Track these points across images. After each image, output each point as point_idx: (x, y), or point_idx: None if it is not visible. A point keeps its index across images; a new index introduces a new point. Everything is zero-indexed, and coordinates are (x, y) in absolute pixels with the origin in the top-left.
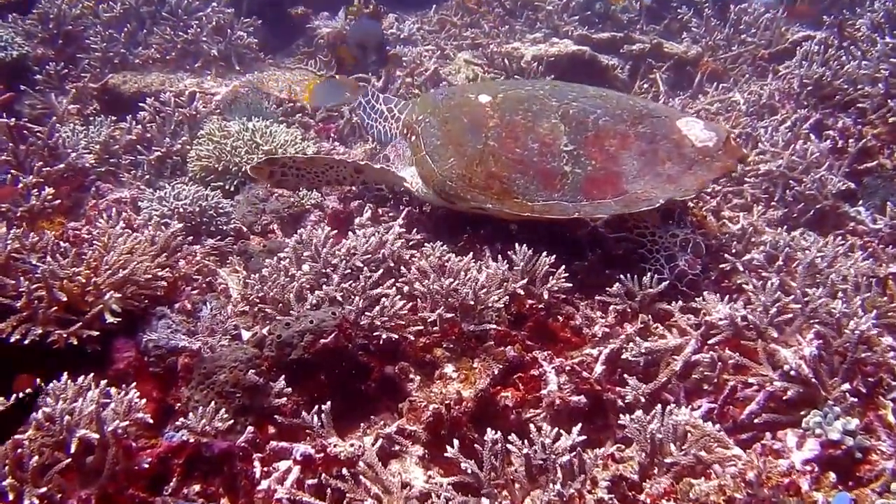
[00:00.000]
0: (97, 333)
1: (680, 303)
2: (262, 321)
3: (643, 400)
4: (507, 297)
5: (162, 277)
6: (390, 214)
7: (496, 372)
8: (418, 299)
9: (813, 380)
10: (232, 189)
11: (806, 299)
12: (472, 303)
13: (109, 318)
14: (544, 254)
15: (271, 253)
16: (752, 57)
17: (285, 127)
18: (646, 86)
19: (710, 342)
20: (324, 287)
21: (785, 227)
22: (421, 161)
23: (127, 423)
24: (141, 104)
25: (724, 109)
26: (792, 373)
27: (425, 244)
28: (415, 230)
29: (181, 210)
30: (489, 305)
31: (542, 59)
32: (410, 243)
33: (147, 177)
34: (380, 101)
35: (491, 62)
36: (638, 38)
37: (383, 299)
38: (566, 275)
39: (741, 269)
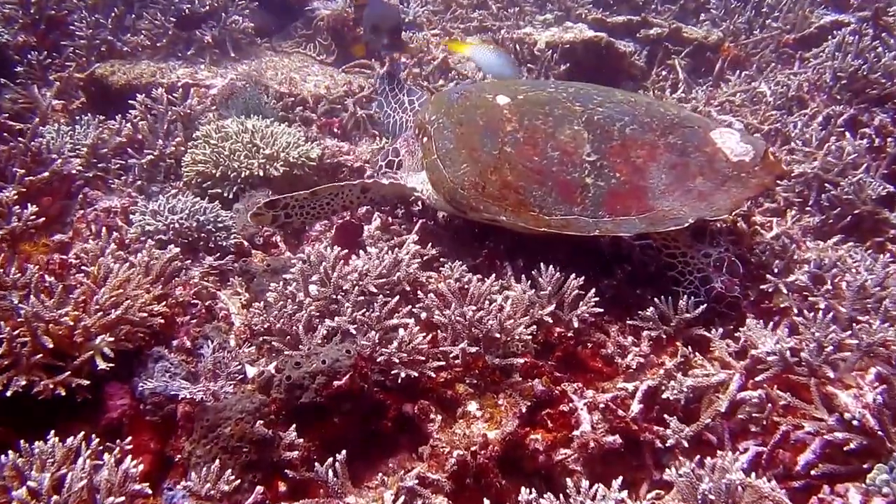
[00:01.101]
0: (87, 383)
1: (720, 329)
2: (268, 354)
3: (686, 444)
4: (535, 326)
5: (158, 313)
6: (403, 227)
7: (524, 410)
8: (438, 329)
9: (879, 432)
10: (231, 196)
11: (858, 328)
12: (497, 335)
13: (101, 365)
14: (572, 276)
15: (275, 273)
16: (776, 42)
17: (286, 126)
18: (664, 73)
19: (756, 379)
20: (336, 318)
21: (829, 241)
22: (432, 166)
23: (122, 498)
24: (131, 101)
25: (749, 101)
26: (854, 423)
27: (442, 259)
28: (430, 244)
29: (176, 226)
30: (516, 337)
31: (556, 47)
32: (425, 258)
33: (139, 182)
34: (404, 90)
35: (502, 48)
36: (655, 21)
37: (401, 331)
38: (596, 299)
39: (785, 291)
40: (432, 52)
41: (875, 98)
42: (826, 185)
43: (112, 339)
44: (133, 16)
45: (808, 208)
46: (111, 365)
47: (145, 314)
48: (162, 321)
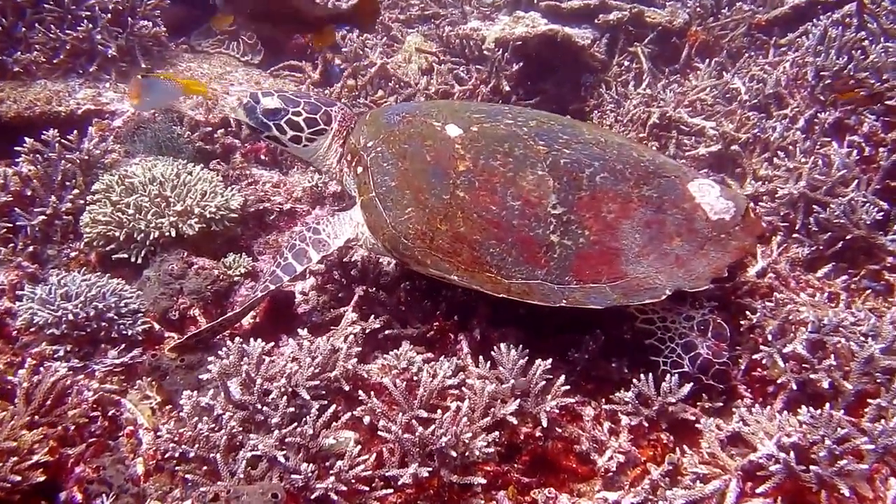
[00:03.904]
0: None
1: (712, 420)
2: (182, 484)
3: None
4: (497, 432)
5: (41, 465)
6: (341, 295)
7: None
8: (385, 442)
9: None
10: (139, 261)
11: (870, 423)
12: (453, 453)
13: None
14: (538, 362)
15: (190, 369)
16: (746, 24)
17: (202, 169)
18: (626, 63)
19: (758, 490)
20: (262, 442)
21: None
22: (369, 205)
23: None
24: (18, 148)
25: (721, 98)
26: None
27: (387, 332)
28: (372, 316)
29: (70, 316)
30: (476, 452)
31: (507, 44)
32: (367, 331)
33: (30, 248)
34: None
35: (447, 46)
36: (615, 4)
37: (339, 462)
38: (566, 387)
39: (781, 364)
40: (369, 57)
41: (862, 99)
42: (814, 206)
43: None
44: (23, 28)
45: (795, 234)
46: None
47: (20, 477)
48: (44, 477)
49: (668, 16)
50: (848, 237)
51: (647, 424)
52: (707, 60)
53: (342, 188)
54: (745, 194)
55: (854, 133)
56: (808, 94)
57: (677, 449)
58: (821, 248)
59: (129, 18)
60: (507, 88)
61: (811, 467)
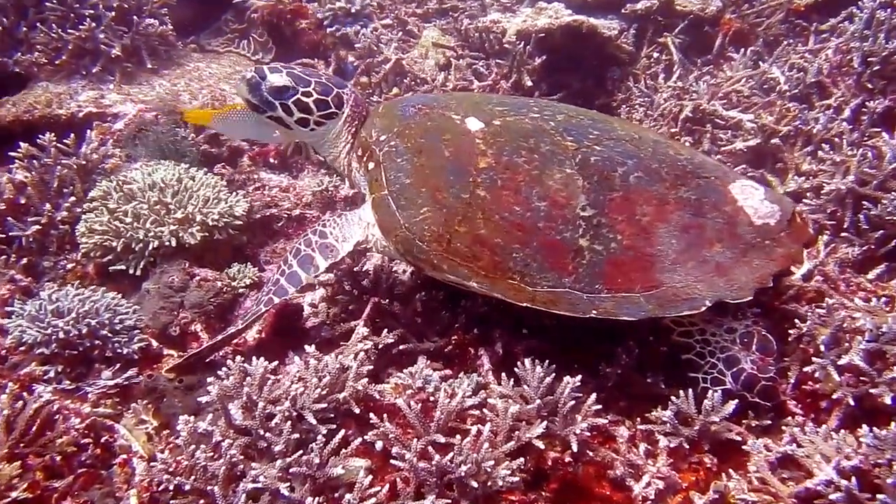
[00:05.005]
0: None
1: (760, 441)
2: None
3: None
4: (521, 459)
5: (21, 502)
6: (350, 308)
7: None
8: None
9: None
10: (138, 273)
11: None
12: (474, 484)
13: None
14: (566, 380)
15: (189, 390)
16: (784, 11)
17: (204, 173)
18: (655, 54)
19: None
20: (263, 475)
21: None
22: (380, 203)
23: None
24: (13, 154)
25: (759, 89)
26: None
27: (401, 348)
28: (385, 330)
29: (62, 335)
30: (498, 481)
31: (529, 36)
32: (379, 347)
33: (25, 260)
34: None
35: (465, 40)
36: None
37: (347, 495)
38: (598, 406)
39: (836, 377)
40: (383, 53)
41: None
42: (864, 202)
43: None
44: (25, 28)
45: (843, 233)
46: None
47: None
48: None
49: (701, 3)
50: None
51: (687, 446)
52: (742, 50)
53: (354, 190)
54: (787, 191)
55: None
56: (854, 81)
57: (722, 474)
58: (872, 247)
59: (135, 17)
60: (530, 83)
61: (878, 496)
